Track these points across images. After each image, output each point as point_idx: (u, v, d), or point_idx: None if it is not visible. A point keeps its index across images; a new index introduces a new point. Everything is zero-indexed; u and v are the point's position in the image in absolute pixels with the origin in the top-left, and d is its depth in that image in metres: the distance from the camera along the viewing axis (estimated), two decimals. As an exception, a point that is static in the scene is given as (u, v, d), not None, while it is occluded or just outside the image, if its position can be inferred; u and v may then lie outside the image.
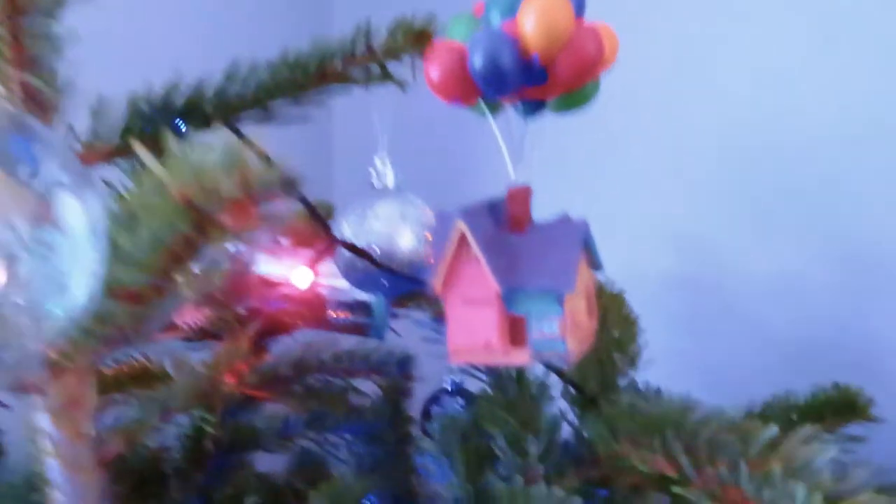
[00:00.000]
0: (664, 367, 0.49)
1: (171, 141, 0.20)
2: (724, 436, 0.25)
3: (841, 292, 0.74)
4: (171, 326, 0.70)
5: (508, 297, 0.26)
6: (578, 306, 0.26)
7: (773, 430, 0.24)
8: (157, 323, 0.29)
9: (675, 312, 0.83)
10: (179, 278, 0.24)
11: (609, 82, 0.37)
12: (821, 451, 0.23)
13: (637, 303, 0.48)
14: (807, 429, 0.24)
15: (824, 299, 0.75)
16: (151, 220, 0.20)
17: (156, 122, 0.41)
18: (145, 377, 0.62)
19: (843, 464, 0.28)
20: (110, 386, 0.62)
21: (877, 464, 0.29)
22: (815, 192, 0.76)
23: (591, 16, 0.36)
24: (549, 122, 0.29)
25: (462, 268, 0.26)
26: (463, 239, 0.26)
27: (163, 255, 0.23)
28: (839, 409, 0.40)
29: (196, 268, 0.25)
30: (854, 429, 0.42)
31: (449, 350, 0.27)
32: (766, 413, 0.39)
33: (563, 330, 0.25)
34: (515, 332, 0.26)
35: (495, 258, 0.26)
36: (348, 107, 0.56)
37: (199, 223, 0.20)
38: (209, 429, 0.49)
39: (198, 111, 0.41)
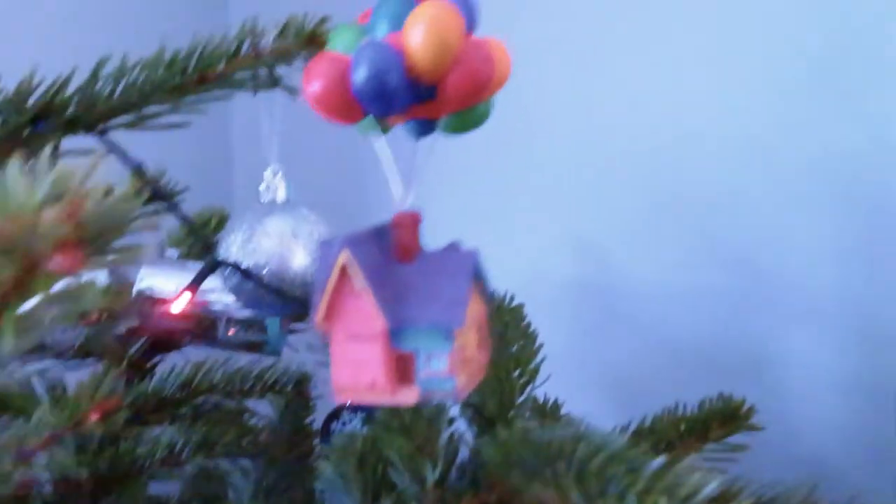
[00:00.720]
0: (562, 372, 0.49)
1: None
2: (613, 467, 0.25)
3: (727, 298, 0.79)
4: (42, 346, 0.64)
5: (395, 333, 0.24)
6: (469, 340, 0.25)
7: (660, 460, 0.24)
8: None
9: (572, 317, 0.85)
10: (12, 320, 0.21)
11: (506, 90, 0.36)
12: (705, 480, 0.23)
13: (534, 308, 0.48)
14: (692, 457, 0.24)
15: (712, 305, 0.79)
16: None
17: (6, 125, 0.36)
18: (14, 405, 0.56)
19: (729, 478, 0.28)
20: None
21: (758, 480, 0.31)
22: (705, 200, 0.80)
23: (493, 18, 0.35)
24: (442, 137, 0.27)
25: (346, 301, 0.24)
26: (346, 269, 0.24)
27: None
28: (724, 419, 0.41)
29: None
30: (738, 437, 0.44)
31: (334, 388, 0.26)
32: (656, 426, 0.41)
33: (452, 367, 0.24)
34: (403, 369, 0.24)
35: (381, 290, 0.24)
36: (249, 114, 0.52)
37: (23, 264, 0.17)
38: (70, 465, 0.44)
39: (57, 114, 0.37)
